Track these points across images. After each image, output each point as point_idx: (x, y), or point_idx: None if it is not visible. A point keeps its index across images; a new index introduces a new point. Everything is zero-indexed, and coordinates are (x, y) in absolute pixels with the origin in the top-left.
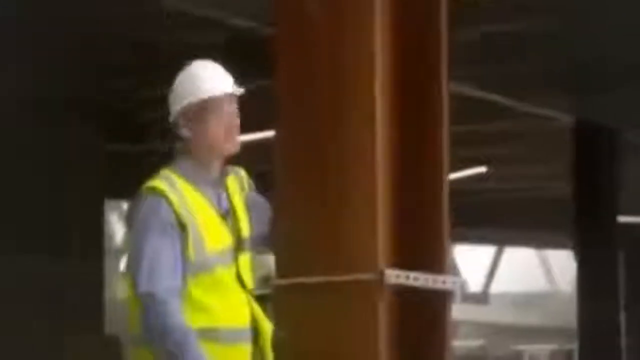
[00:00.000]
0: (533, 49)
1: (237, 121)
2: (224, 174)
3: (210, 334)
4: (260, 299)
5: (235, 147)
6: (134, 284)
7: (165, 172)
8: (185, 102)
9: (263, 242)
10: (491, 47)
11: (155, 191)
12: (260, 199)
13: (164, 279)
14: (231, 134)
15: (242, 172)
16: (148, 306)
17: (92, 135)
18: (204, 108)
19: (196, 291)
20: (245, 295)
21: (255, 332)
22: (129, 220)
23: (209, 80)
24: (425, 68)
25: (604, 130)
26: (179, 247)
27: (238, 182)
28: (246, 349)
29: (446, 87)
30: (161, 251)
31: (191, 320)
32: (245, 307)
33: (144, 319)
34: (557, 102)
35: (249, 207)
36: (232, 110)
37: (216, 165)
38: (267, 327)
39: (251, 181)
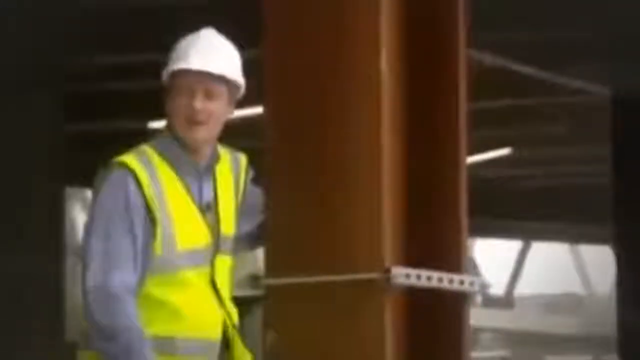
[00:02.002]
0: (565, 14)
1: (205, 107)
2: (214, 160)
3: (165, 344)
4: (247, 302)
5: (194, 137)
6: (84, 275)
7: (143, 148)
8: (165, 72)
9: (248, 242)
10: (517, 10)
11: (123, 166)
12: (256, 191)
13: (120, 271)
14: (191, 120)
15: (243, 158)
16: (97, 301)
17: (52, 112)
18: (175, 84)
19: (156, 290)
20: (218, 303)
21: (227, 346)
22: (92, 198)
23: (185, 51)
24: (440, 33)
25: None
26: (142, 236)
27: (233, 171)
28: None
29: (464, 56)
30: (122, 238)
31: (147, 323)
32: (216, 317)
33: (90, 316)
34: (594, 73)
35: (244, 201)
36: (201, 93)
37: (204, 149)
38: (240, 342)
39: (251, 170)
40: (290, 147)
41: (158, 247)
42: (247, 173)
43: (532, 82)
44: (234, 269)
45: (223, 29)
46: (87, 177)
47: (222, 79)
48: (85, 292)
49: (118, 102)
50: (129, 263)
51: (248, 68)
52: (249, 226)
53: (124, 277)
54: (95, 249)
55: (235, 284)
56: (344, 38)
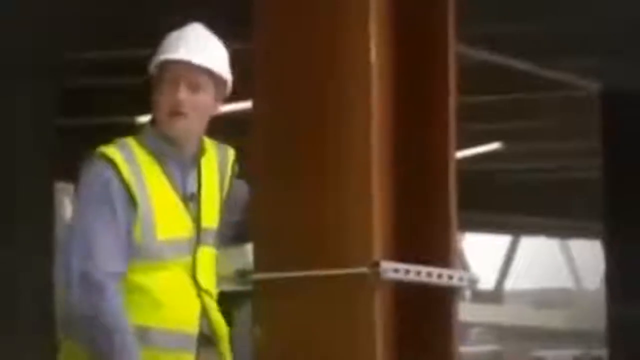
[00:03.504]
0: (556, 8)
1: (188, 99)
2: (199, 152)
3: (140, 334)
4: (236, 297)
5: (175, 128)
6: (65, 266)
7: (126, 139)
8: (151, 64)
9: (234, 237)
10: (507, 4)
11: (103, 157)
12: (242, 186)
13: (103, 260)
14: (173, 112)
15: (230, 151)
16: (76, 288)
17: (41, 106)
18: (160, 75)
19: (135, 276)
20: (198, 295)
21: (212, 339)
22: (75, 190)
23: (171, 44)
24: (430, 26)
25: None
26: (123, 224)
27: (219, 163)
28: (186, 358)
29: (454, 50)
30: (103, 227)
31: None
32: (193, 309)
33: (72, 306)
34: (584, 68)
35: (230, 195)
36: (185, 85)
37: (187, 141)
38: (225, 334)
39: (236, 165)
40: (280, 142)
41: (138, 235)
42: (233, 166)
43: (522, 76)
44: (219, 263)
45: (220, 25)
46: (78, 171)
47: (206, 72)
48: (67, 282)
49: (111, 96)
50: (111, 250)
51: (234, 61)
52: (234, 221)
53: (107, 266)
54: (77, 239)
55: (224, 279)
56: (334, 33)
